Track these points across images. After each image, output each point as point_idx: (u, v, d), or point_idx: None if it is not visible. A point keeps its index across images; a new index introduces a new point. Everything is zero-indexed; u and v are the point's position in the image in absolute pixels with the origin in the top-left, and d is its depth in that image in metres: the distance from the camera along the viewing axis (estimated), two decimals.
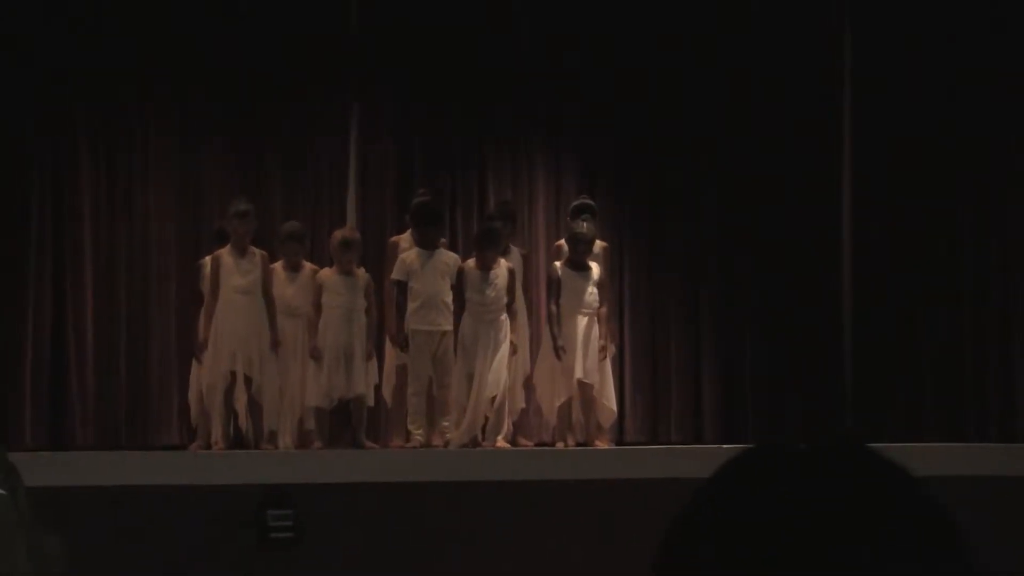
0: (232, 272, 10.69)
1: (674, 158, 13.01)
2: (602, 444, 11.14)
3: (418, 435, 10.74)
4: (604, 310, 11.33)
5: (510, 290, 10.92)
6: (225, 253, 10.76)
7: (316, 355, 10.72)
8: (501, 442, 10.79)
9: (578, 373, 11.01)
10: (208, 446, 10.62)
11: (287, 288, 10.91)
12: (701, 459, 9.47)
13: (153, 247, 12.09)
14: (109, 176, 12.19)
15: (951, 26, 13.13)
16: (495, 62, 12.83)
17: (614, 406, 11.49)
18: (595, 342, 11.17)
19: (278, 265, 10.96)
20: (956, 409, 13.00)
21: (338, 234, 11.14)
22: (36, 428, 11.74)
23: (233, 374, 10.61)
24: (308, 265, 11.11)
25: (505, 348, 10.77)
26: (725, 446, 11.25)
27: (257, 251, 10.82)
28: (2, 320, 11.84)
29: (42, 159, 12.04)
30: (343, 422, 11.02)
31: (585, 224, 11.34)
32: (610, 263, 11.92)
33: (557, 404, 11.17)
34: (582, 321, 11.11)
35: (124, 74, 12.15)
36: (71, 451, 11.21)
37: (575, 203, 11.86)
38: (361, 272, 10.96)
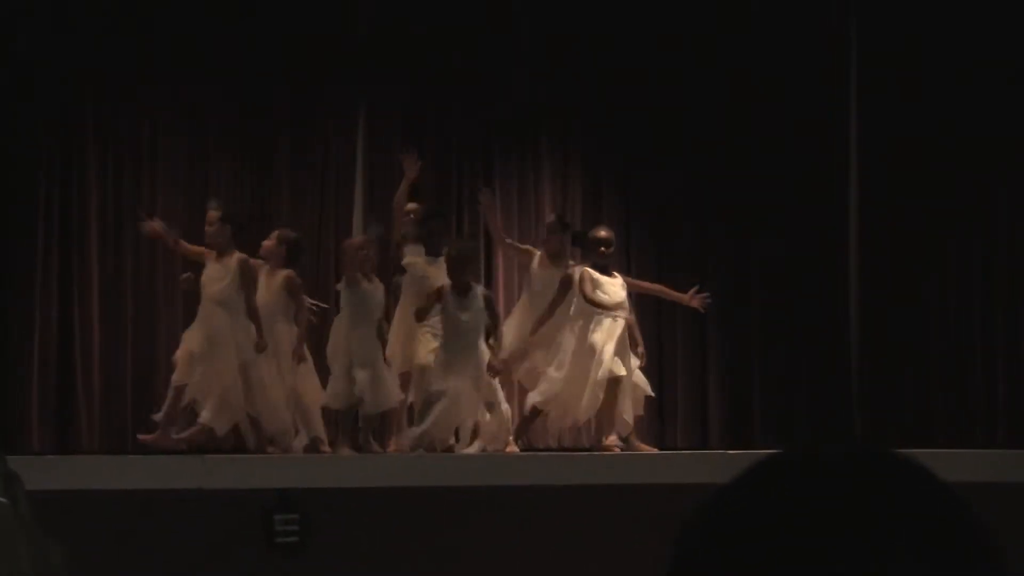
0: (208, 278, 10.67)
1: (679, 159, 13.00)
2: (611, 445, 11.07)
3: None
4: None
5: (490, 314, 10.69)
6: (209, 259, 10.74)
7: (300, 358, 10.69)
8: (512, 446, 10.74)
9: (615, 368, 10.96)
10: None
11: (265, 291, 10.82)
12: (707, 464, 9.47)
13: (160, 250, 12.08)
14: (116, 179, 12.19)
15: (957, 23, 13.11)
16: (499, 64, 12.83)
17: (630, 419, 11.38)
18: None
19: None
20: (963, 413, 12.98)
21: (352, 242, 11.14)
22: (43, 432, 11.74)
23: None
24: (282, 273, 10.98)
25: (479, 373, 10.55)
26: (731, 452, 11.23)
27: (236, 254, 10.70)
28: (9, 324, 11.85)
29: (49, 161, 12.04)
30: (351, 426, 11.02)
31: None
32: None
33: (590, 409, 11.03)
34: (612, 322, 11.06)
35: (130, 77, 12.16)
36: (78, 455, 11.22)
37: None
38: (375, 281, 10.93)
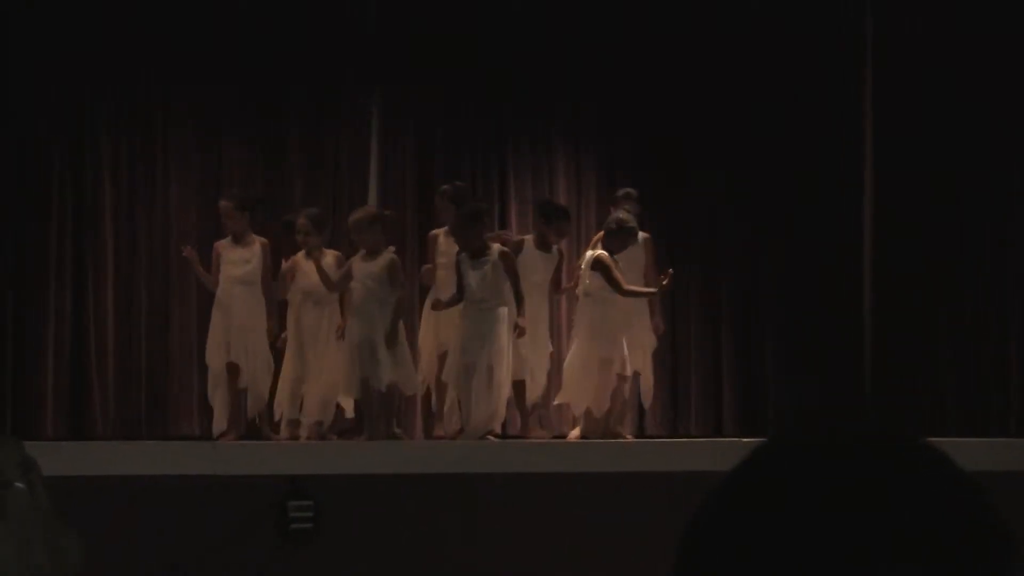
0: (228, 262, 10.75)
1: (694, 153, 12.98)
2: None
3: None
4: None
5: (507, 275, 10.58)
6: (224, 243, 10.87)
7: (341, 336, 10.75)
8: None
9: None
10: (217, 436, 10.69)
11: (312, 275, 10.82)
12: (721, 452, 9.47)
13: (173, 240, 12.10)
14: (129, 170, 12.21)
15: (975, 18, 13.09)
16: (513, 58, 12.81)
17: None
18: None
19: (301, 254, 10.93)
20: (976, 403, 12.97)
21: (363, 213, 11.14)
22: (57, 419, 11.78)
23: (235, 365, 10.72)
24: (330, 252, 11.08)
25: (502, 342, 10.49)
26: (745, 439, 11.23)
27: (257, 239, 10.84)
28: (24, 312, 11.88)
29: (62, 154, 12.07)
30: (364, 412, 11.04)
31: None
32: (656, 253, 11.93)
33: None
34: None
35: (144, 69, 12.17)
36: (92, 441, 11.25)
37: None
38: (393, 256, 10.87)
